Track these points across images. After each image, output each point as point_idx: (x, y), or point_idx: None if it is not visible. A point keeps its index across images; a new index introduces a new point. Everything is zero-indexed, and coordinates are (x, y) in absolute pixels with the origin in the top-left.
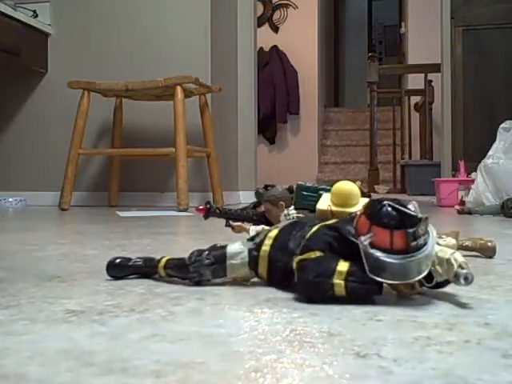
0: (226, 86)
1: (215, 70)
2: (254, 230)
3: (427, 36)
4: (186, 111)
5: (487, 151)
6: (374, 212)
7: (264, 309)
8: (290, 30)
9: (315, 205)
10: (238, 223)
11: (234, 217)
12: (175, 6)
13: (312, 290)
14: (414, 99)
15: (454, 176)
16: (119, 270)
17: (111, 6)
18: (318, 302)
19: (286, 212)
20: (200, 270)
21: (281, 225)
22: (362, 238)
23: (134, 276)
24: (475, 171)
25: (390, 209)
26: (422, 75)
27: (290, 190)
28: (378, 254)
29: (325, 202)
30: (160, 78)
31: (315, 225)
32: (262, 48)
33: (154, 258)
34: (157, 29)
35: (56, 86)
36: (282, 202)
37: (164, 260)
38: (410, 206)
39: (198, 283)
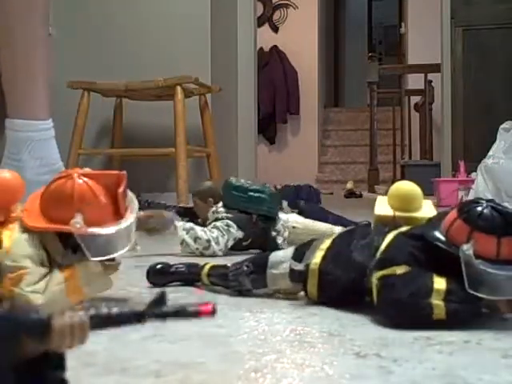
0: (225, 86)
1: (215, 70)
2: (181, 226)
3: (427, 36)
4: (185, 111)
5: (487, 151)
6: (473, 215)
7: (264, 309)
8: (290, 30)
9: (244, 206)
10: (149, 212)
11: (160, 207)
12: (175, 6)
13: (404, 311)
14: (414, 99)
15: (454, 176)
16: (161, 277)
17: (111, 6)
18: (406, 325)
19: (214, 209)
20: (239, 279)
21: (334, 235)
22: (465, 247)
23: (175, 284)
24: (475, 171)
25: (494, 211)
26: (422, 75)
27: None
28: (484, 265)
29: (383, 207)
30: (160, 77)
31: (387, 233)
32: (261, 48)
33: (197, 264)
34: (157, 29)
35: (56, 86)
36: (210, 198)
37: (208, 267)
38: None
39: (239, 293)
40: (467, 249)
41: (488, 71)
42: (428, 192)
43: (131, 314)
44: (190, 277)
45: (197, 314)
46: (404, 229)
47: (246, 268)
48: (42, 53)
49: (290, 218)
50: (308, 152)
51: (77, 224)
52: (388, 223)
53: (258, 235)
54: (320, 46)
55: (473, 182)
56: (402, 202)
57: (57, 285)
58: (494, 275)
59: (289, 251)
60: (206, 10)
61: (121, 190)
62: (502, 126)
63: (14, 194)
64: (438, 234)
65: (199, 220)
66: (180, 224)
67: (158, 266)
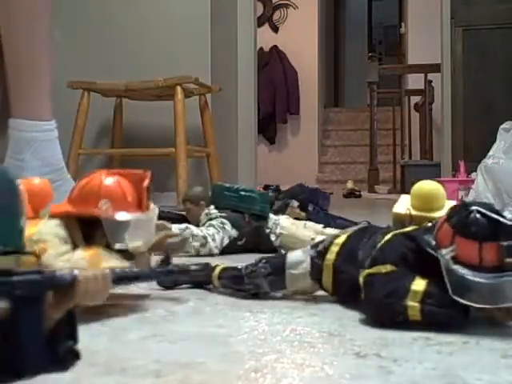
0: (225, 86)
1: (215, 70)
2: (176, 228)
3: (427, 36)
4: (185, 111)
5: (487, 151)
6: (458, 219)
7: (264, 309)
8: (290, 30)
9: (237, 205)
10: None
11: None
12: (175, 6)
13: (380, 312)
14: (414, 99)
15: (454, 176)
16: (171, 278)
17: (111, 6)
18: (387, 325)
19: (206, 211)
20: (256, 281)
21: (350, 230)
22: (443, 251)
23: (186, 286)
24: (475, 171)
25: (479, 215)
26: (422, 75)
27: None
28: (463, 271)
29: (403, 205)
30: (160, 78)
31: (388, 232)
32: (261, 48)
33: (208, 265)
34: (157, 29)
35: (56, 86)
36: (202, 202)
37: (218, 269)
38: (506, 213)
39: (255, 296)
40: (446, 253)
41: (488, 71)
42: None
43: (146, 271)
44: (200, 279)
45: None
46: (408, 229)
47: (263, 270)
48: (47, 54)
49: (280, 221)
50: (308, 152)
51: (104, 206)
52: (405, 222)
53: (252, 234)
54: (320, 46)
55: (473, 182)
56: (422, 201)
57: (80, 258)
58: (474, 282)
59: (307, 250)
60: (206, 9)
61: (145, 184)
62: (502, 126)
63: (43, 199)
64: (428, 237)
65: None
66: (174, 226)
67: (168, 268)
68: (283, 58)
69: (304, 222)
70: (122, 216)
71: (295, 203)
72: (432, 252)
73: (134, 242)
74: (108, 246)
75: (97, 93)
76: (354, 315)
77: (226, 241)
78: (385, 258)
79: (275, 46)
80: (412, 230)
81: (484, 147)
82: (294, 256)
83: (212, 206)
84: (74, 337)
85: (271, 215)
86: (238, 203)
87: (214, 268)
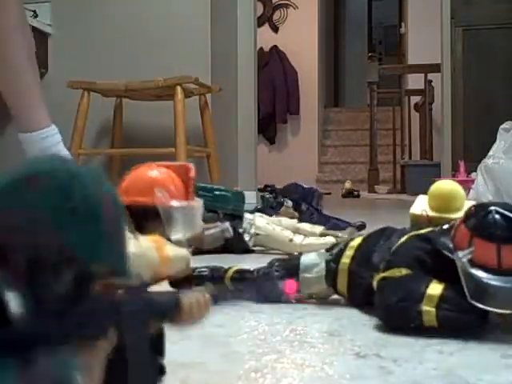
0: (225, 86)
1: (215, 70)
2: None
3: (427, 36)
4: (186, 111)
5: (487, 151)
6: (476, 220)
7: (264, 309)
8: (290, 30)
9: (211, 205)
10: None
11: None
12: (175, 6)
13: (393, 317)
14: (414, 99)
15: (454, 176)
16: (183, 281)
17: (111, 6)
18: (400, 329)
19: None
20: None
21: (366, 233)
22: (460, 254)
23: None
24: (475, 171)
25: (497, 216)
26: (422, 75)
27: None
28: (481, 274)
29: (419, 206)
30: (160, 78)
31: (405, 234)
32: (261, 48)
33: (221, 267)
34: (157, 29)
35: (56, 86)
36: None
37: (231, 271)
38: None
39: (266, 299)
40: (463, 256)
41: (488, 71)
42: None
43: (239, 294)
44: (212, 281)
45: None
46: (424, 230)
47: (276, 273)
48: (32, 63)
49: (255, 222)
50: (308, 152)
51: (160, 194)
52: (422, 223)
53: None
54: (320, 46)
55: (473, 182)
56: (441, 201)
57: (149, 248)
58: (493, 286)
59: (321, 254)
60: (206, 9)
61: (191, 174)
62: (502, 126)
63: None
64: (445, 239)
65: None
66: None
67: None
68: (283, 57)
69: (279, 218)
70: (178, 203)
71: (290, 202)
72: (448, 254)
73: (182, 233)
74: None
75: (97, 93)
76: (354, 315)
77: None
78: (400, 261)
79: (275, 46)
80: (428, 232)
81: (484, 147)
82: (308, 259)
83: None
84: (161, 352)
85: (247, 215)
86: (212, 203)
87: (226, 270)
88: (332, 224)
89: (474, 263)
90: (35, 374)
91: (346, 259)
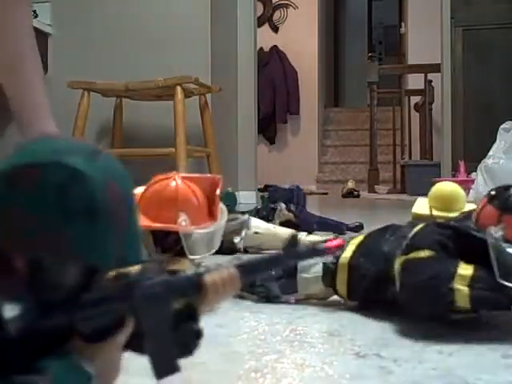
0: (225, 86)
1: (215, 70)
2: None
3: (427, 36)
4: (186, 111)
5: (487, 151)
6: (503, 199)
7: (264, 309)
8: (290, 30)
9: None
10: None
11: None
12: (175, 6)
13: (423, 295)
14: (414, 99)
15: (454, 176)
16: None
17: (111, 5)
18: (427, 312)
19: None
20: (266, 285)
21: (367, 231)
22: (492, 230)
23: None
24: (475, 171)
25: None
26: (422, 75)
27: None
28: None
29: (421, 206)
30: (160, 78)
31: (416, 225)
32: (261, 48)
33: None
34: (157, 28)
35: (56, 86)
36: None
37: None
38: None
39: (266, 299)
40: (495, 231)
41: (488, 71)
42: (428, 192)
43: (271, 258)
44: None
45: (327, 251)
46: (439, 221)
47: (273, 273)
48: (37, 67)
49: (252, 222)
50: (308, 152)
51: (183, 222)
52: (425, 221)
53: None
54: (320, 46)
55: (473, 181)
56: (443, 202)
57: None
58: None
59: None
60: (206, 9)
61: (218, 192)
62: (502, 126)
63: None
64: (467, 223)
65: None
66: None
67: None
68: (283, 57)
69: (274, 226)
70: (199, 231)
71: (283, 205)
72: (477, 234)
73: (201, 253)
74: (178, 254)
75: (97, 93)
76: (354, 315)
77: None
78: (422, 243)
79: (275, 46)
80: (444, 221)
81: (484, 147)
82: None
83: None
84: (195, 317)
85: (238, 216)
86: None
87: None
88: (322, 222)
89: (506, 239)
90: None
91: (346, 254)
